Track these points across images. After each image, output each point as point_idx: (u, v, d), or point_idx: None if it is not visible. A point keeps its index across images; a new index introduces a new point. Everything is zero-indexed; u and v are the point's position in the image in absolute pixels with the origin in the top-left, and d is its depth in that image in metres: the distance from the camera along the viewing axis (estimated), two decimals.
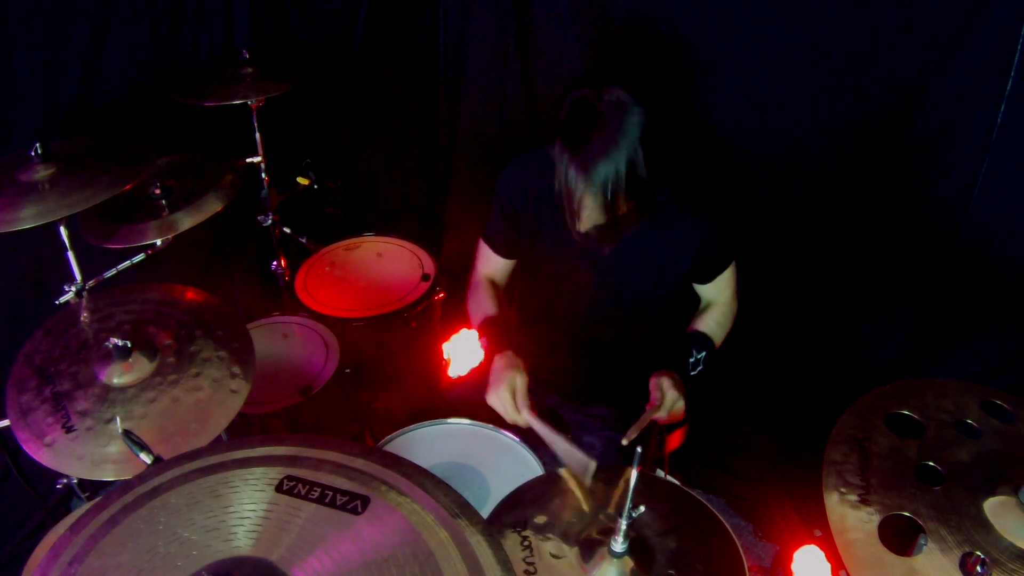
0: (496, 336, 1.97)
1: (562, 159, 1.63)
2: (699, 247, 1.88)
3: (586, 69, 2.62)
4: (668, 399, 1.79)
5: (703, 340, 1.95)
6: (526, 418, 1.76)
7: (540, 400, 2.20)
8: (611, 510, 1.44)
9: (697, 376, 1.93)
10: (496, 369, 1.85)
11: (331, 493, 1.02)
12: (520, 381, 1.80)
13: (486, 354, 1.99)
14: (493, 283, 2.14)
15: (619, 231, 1.72)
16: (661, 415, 1.81)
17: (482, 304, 2.08)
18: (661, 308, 2.01)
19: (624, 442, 1.73)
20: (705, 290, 2.04)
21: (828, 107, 2.26)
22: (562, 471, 1.55)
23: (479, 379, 2.18)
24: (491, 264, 2.13)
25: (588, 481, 1.51)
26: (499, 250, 2.09)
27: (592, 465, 1.52)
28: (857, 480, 1.29)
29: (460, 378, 2.30)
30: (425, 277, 2.66)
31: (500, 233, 2.07)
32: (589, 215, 1.67)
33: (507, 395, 1.77)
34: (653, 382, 1.83)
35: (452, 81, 2.93)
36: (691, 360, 1.92)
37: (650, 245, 1.87)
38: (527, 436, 1.83)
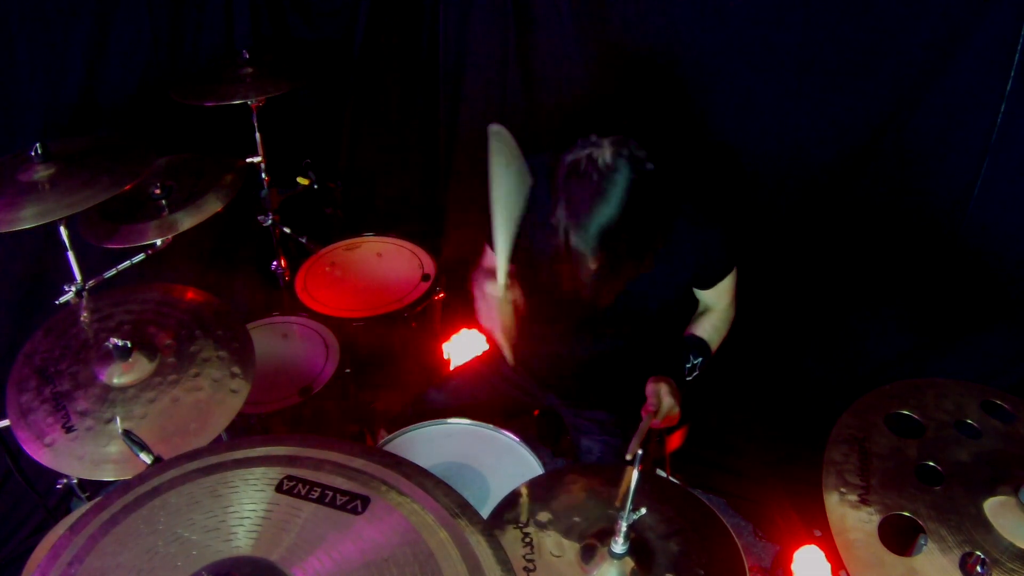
0: None
1: (560, 216, 1.63)
2: (703, 254, 1.87)
3: (586, 72, 2.62)
4: (664, 405, 1.81)
5: (700, 346, 1.96)
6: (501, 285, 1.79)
7: (539, 401, 2.20)
8: (612, 510, 1.44)
9: (692, 381, 1.94)
10: None
11: (331, 493, 1.02)
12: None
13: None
14: None
15: (617, 285, 1.73)
16: (656, 420, 1.82)
17: None
18: (661, 313, 2.01)
19: (628, 456, 1.72)
20: (705, 295, 2.03)
21: (828, 108, 2.25)
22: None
23: (479, 376, 2.19)
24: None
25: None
26: None
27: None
28: (857, 480, 1.29)
29: (459, 369, 2.29)
30: (425, 277, 2.66)
31: None
32: (589, 271, 1.67)
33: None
34: (650, 388, 1.84)
35: (452, 81, 2.93)
36: (687, 366, 1.93)
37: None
38: (527, 436, 1.83)
